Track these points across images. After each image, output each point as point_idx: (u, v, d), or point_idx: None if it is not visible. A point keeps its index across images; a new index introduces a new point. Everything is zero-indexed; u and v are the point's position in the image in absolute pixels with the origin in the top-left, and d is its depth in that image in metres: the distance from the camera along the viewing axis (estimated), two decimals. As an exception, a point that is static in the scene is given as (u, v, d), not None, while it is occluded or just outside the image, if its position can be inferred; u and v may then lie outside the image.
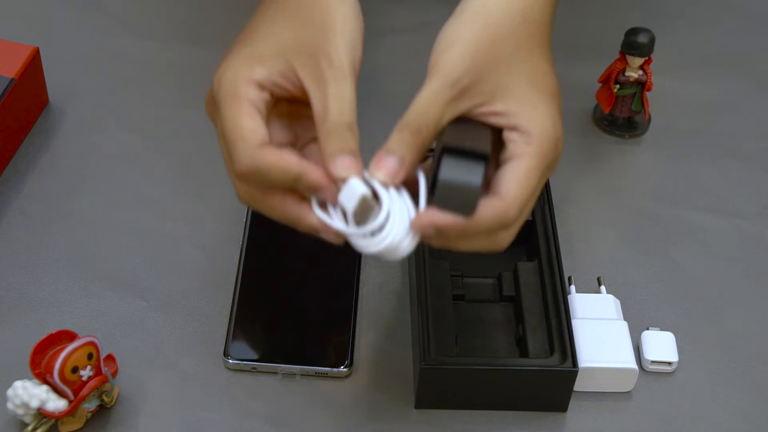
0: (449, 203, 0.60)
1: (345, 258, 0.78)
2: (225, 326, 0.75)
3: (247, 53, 0.64)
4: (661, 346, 0.75)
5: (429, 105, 0.62)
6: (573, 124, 0.89)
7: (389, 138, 0.61)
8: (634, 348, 0.75)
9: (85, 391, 0.67)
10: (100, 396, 0.69)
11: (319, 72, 0.62)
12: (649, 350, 0.75)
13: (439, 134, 0.63)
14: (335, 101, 0.62)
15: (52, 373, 0.66)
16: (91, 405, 0.69)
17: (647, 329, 0.76)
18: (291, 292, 0.77)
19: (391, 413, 0.72)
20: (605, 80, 0.87)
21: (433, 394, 0.72)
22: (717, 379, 0.75)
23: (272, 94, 0.64)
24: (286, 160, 0.61)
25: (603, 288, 0.78)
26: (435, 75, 0.62)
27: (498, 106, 0.63)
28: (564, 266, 0.78)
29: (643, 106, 0.87)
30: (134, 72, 0.91)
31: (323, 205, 0.62)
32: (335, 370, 0.73)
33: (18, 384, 0.68)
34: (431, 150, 0.64)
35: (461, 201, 0.60)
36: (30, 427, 0.68)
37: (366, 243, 0.61)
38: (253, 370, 0.73)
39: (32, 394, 0.67)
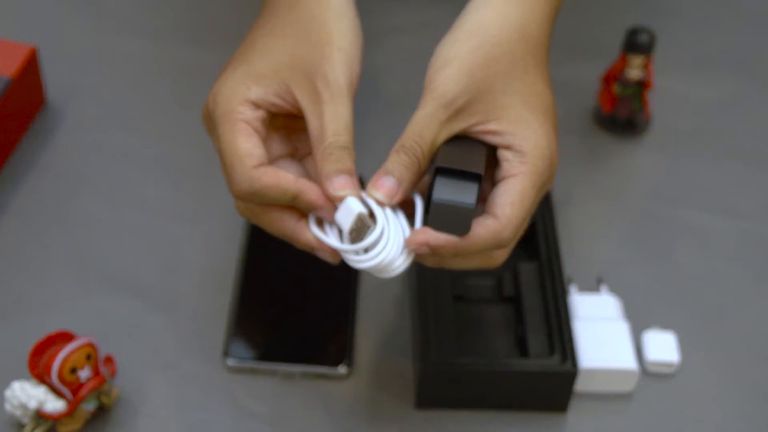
0: (443, 223, 0.61)
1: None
2: (224, 326, 0.75)
3: (243, 72, 0.64)
4: (662, 346, 0.75)
5: (424, 126, 0.62)
6: (573, 124, 0.89)
7: (387, 159, 0.62)
8: (634, 348, 0.75)
9: (83, 392, 0.67)
10: (98, 397, 0.69)
11: (316, 92, 0.63)
12: (649, 351, 0.75)
13: (435, 153, 0.63)
14: (331, 122, 0.62)
15: (50, 374, 0.66)
16: (90, 406, 0.69)
17: (648, 330, 0.76)
18: (291, 292, 0.77)
19: (391, 413, 0.72)
20: (606, 80, 0.87)
21: (433, 394, 0.72)
22: (718, 379, 0.75)
23: (268, 112, 0.64)
24: (283, 181, 0.61)
25: (603, 288, 0.78)
26: (430, 95, 0.63)
27: (492, 126, 0.63)
28: (564, 267, 0.78)
29: (643, 106, 0.87)
30: (133, 72, 0.91)
31: (320, 223, 0.63)
32: (335, 370, 0.73)
33: (16, 385, 0.67)
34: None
35: (455, 221, 0.61)
36: (28, 428, 0.68)
37: (359, 258, 0.61)
38: (253, 371, 0.73)
39: (30, 395, 0.67)
